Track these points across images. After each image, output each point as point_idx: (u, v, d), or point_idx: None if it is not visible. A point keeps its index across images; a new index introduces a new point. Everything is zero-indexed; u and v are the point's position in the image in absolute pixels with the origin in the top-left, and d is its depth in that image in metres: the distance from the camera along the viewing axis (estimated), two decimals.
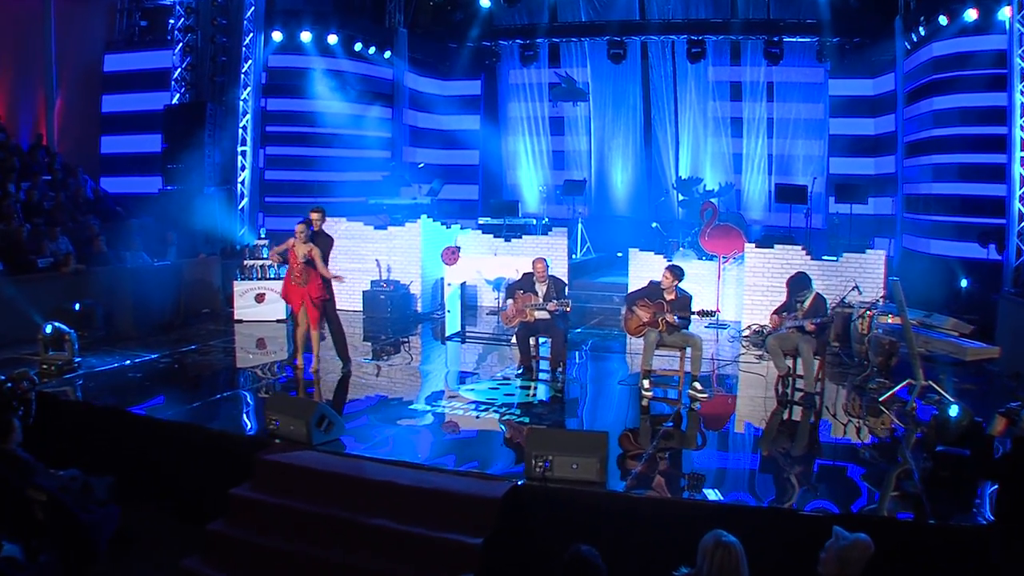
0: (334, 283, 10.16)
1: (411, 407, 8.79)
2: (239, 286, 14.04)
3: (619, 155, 21.23)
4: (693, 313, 9.36)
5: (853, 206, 15.91)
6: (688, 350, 9.35)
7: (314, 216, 10.09)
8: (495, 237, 15.56)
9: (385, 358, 11.54)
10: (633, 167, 21.13)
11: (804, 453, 7.81)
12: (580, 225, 18.05)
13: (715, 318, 13.00)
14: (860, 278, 12.24)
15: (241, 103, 16.54)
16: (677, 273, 9.42)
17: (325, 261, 9.94)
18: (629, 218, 20.37)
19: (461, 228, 15.73)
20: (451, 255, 12.49)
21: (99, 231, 14.61)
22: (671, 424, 8.49)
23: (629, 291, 9.86)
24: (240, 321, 13.73)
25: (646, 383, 9.24)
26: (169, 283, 13.50)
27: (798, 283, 9.46)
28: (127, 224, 15.62)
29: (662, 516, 6.08)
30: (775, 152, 19.56)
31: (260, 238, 15.15)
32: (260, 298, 14.06)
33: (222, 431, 7.97)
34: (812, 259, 12.87)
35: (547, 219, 17.97)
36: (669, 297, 9.40)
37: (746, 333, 12.87)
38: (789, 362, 9.42)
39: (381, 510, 6.31)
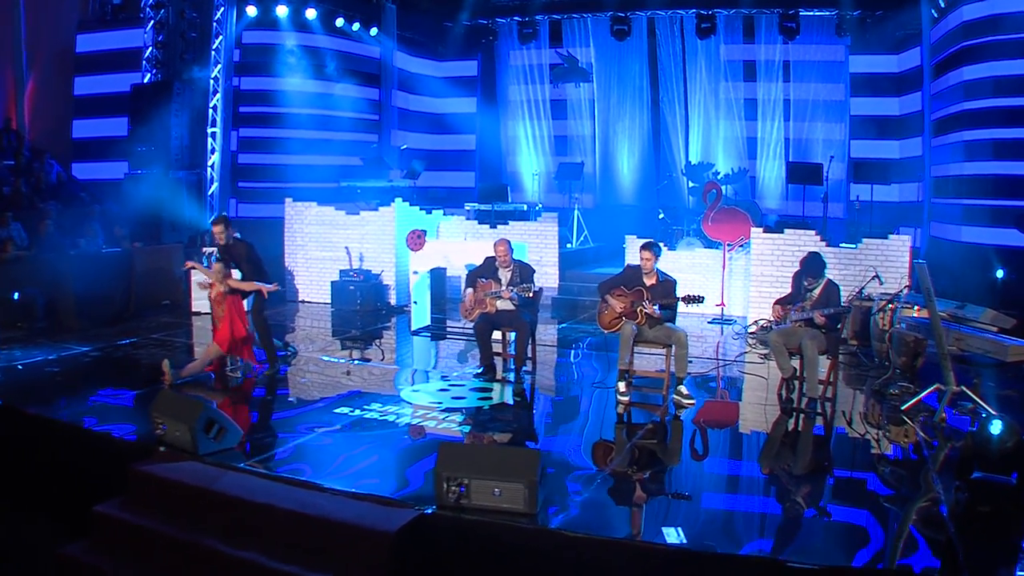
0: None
1: (336, 411, 7.48)
2: (198, 276, 12.84)
3: (625, 140, 19.75)
4: (678, 300, 7.92)
5: (877, 192, 14.48)
6: (673, 347, 7.95)
7: (216, 230, 8.89)
8: (480, 223, 14.31)
9: (337, 356, 10.19)
10: (640, 152, 19.65)
11: (800, 477, 6.31)
12: (576, 212, 16.70)
13: (722, 313, 11.69)
14: (882, 267, 10.82)
15: (211, 82, 15.38)
16: (655, 251, 8.03)
17: (248, 268, 8.76)
18: (636, 207, 18.89)
19: (445, 214, 14.46)
20: (416, 240, 11.18)
21: (53, 216, 13.65)
22: (640, 437, 7.07)
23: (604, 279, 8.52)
24: (198, 313, 12.58)
25: (622, 386, 7.87)
26: (120, 272, 12.43)
27: (810, 266, 8.00)
28: (90, 210, 14.59)
29: (606, 562, 4.71)
30: (792, 136, 18.00)
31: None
32: None
33: (105, 433, 6.74)
34: (828, 246, 11.43)
35: (540, 205, 16.66)
36: (649, 282, 8.03)
37: (752, 329, 11.47)
38: (796, 362, 7.98)
39: (254, 541, 5.05)
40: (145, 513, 5.64)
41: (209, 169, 15.47)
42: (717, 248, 12.74)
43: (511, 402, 8.01)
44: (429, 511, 5.08)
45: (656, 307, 7.83)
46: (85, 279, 11.66)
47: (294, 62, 16.88)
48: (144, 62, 16.01)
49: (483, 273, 8.78)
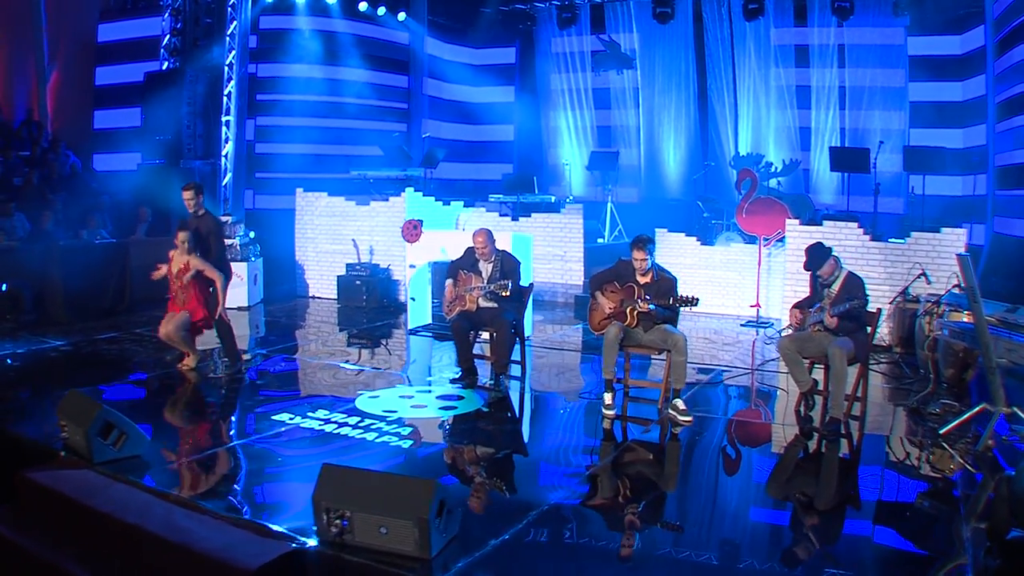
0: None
1: (274, 418, 6.62)
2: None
3: (671, 130, 18.54)
4: (677, 301, 6.81)
5: (939, 185, 13.12)
6: (670, 354, 6.86)
7: (186, 195, 8.11)
8: (501, 215, 13.37)
9: (312, 356, 9.36)
10: (686, 143, 18.44)
11: (801, 527, 4.97)
12: (610, 204, 15.63)
13: (757, 315, 10.59)
14: (932, 264, 9.57)
15: (226, 68, 14.73)
16: (648, 249, 6.92)
17: (210, 250, 7.97)
18: (681, 201, 17.71)
19: (465, 205, 13.55)
20: (411, 230, 10.27)
21: (59, 207, 13.29)
22: (609, 462, 5.93)
23: (596, 272, 7.43)
24: None
25: (607, 397, 6.83)
26: (113, 265, 11.85)
27: (811, 257, 6.83)
28: (98, 202, 14.12)
29: None
30: (848, 125, 16.52)
31: (223, 214, 13.26)
32: None
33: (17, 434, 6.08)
34: (872, 240, 10.20)
35: (571, 197, 15.66)
36: (643, 280, 6.96)
37: (787, 333, 10.27)
38: (819, 374, 6.87)
39: (111, 567, 4.29)
40: (21, 527, 4.91)
41: (223, 159, 14.81)
42: (756, 243, 11.61)
43: (477, 414, 7.00)
44: (311, 546, 4.19)
45: (652, 305, 6.76)
46: (75, 271, 11.16)
47: (314, 48, 16.19)
48: (162, 50, 15.52)
49: (464, 265, 7.84)
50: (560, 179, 18.64)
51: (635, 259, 6.91)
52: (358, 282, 12.31)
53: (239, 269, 12.32)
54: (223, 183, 14.83)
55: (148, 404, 7.27)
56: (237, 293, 12.23)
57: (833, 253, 6.84)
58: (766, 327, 11.03)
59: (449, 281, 7.83)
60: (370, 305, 12.16)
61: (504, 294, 7.35)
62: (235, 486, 5.40)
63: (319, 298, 13.28)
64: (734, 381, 8.24)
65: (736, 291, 11.93)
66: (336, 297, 12.68)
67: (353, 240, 12.67)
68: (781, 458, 6.26)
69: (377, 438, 6.09)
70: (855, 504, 5.35)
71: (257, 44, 16.02)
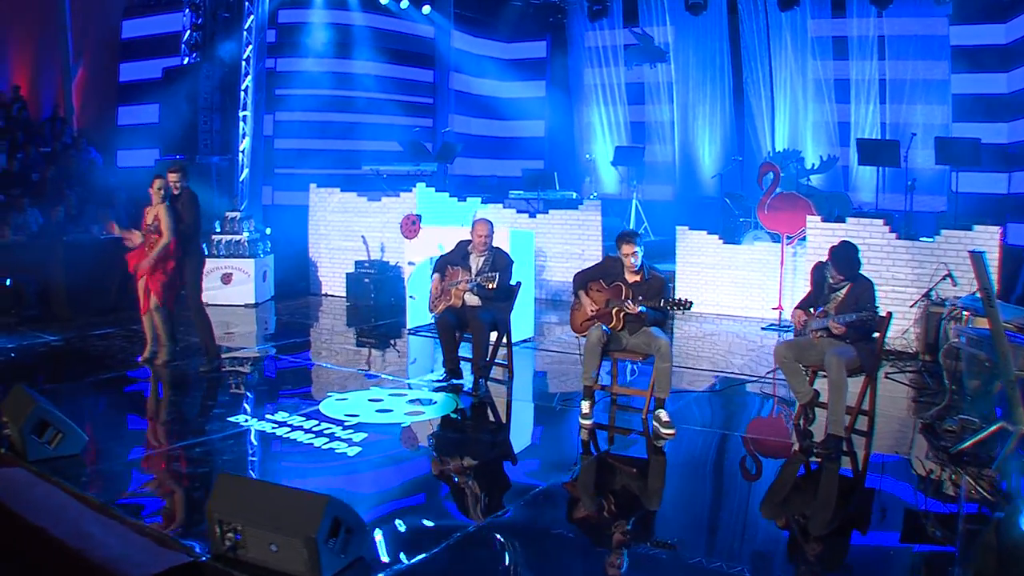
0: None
1: (230, 419, 6.28)
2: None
3: (706, 125, 17.92)
4: (669, 303, 6.28)
5: (980, 182, 12.31)
6: (655, 359, 6.33)
7: (173, 178, 7.90)
8: (518, 212, 12.94)
9: (296, 355, 9.05)
10: (722, 139, 17.81)
11: (779, 559, 4.39)
12: (635, 201, 15.09)
13: (779, 318, 9.99)
14: (963, 265, 8.88)
15: (243, 63, 14.51)
16: (635, 241, 6.40)
17: (191, 219, 7.77)
18: (715, 199, 17.06)
19: (483, 202, 13.13)
20: (410, 226, 9.90)
21: (73, 203, 13.23)
22: (571, 478, 5.42)
23: (581, 269, 6.93)
24: (205, 304, 11.67)
25: (585, 406, 6.34)
26: (117, 261, 11.68)
27: (837, 258, 6.15)
28: (114, 198, 14.03)
29: None
30: (888, 120, 15.74)
31: (235, 209, 13.03)
32: (227, 279, 12.07)
33: None
34: (898, 238, 9.55)
35: (595, 194, 15.15)
36: (632, 278, 6.45)
37: (817, 336, 9.65)
38: (823, 384, 6.23)
39: (10, 570, 4.01)
40: None
41: (240, 154, 14.60)
42: (779, 242, 11.02)
43: (442, 421, 6.56)
44: (205, 559, 3.86)
45: (642, 307, 6.25)
46: (80, 267, 11.05)
47: (334, 42, 15.93)
48: (182, 45, 15.37)
49: (453, 259, 7.43)
50: (590, 175, 18.15)
51: (625, 255, 6.40)
52: (366, 280, 11.98)
53: (246, 265, 12.12)
54: (240, 179, 14.62)
55: (108, 401, 7.11)
56: (244, 290, 12.05)
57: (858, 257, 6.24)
58: (788, 331, 10.41)
59: (436, 276, 7.43)
60: (379, 303, 11.81)
61: (490, 286, 6.91)
62: (156, 491, 5.16)
63: (331, 296, 13.00)
64: (737, 390, 7.65)
65: (760, 292, 11.34)
66: (345, 295, 12.36)
67: (363, 237, 12.35)
68: (775, 478, 5.67)
69: (325, 444, 5.69)
70: (842, 536, 4.75)
71: (276, 38, 15.83)
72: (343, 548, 3.65)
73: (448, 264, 7.42)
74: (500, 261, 7.28)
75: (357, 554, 3.79)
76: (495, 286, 6.93)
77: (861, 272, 6.24)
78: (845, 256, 6.16)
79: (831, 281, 6.24)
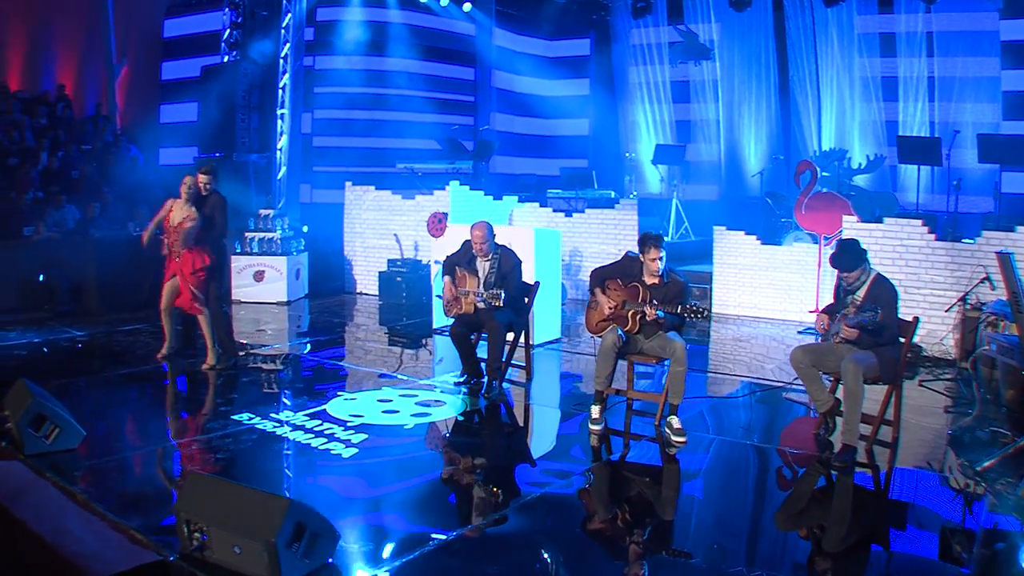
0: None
1: (233, 417, 6.23)
2: (236, 261, 12.12)
3: (751, 124, 17.55)
4: (687, 309, 6.01)
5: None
6: (668, 363, 6.13)
7: (203, 179, 7.80)
8: (555, 211, 12.78)
9: (316, 354, 8.97)
10: (768, 138, 17.41)
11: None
12: (675, 201, 14.81)
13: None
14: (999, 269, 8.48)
15: (280, 61, 14.57)
16: (658, 243, 6.17)
17: (213, 225, 7.67)
18: (759, 199, 16.68)
19: (520, 201, 12.98)
20: (436, 224, 9.78)
21: (109, 200, 13.45)
22: (556, 488, 5.18)
23: (599, 266, 6.72)
24: (237, 302, 11.78)
25: (595, 410, 6.16)
26: (149, 257, 11.78)
27: (837, 258, 5.90)
28: (149, 195, 14.18)
29: None
30: (937, 118, 15.25)
31: (268, 206, 13.06)
32: (259, 276, 12.09)
33: None
34: (937, 239, 9.17)
35: (635, 193, 14.90)
36: (651, 280, 6.24)
37: (837, 341, 9.33)
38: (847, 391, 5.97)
39: None
40: None
41: (278, 152, 14.66)
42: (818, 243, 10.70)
43: (446, 425, 6.41)
44: (173, 558, 3.79)
45: (660, 312, 6.02)
46: (112, 263, 11.11)
47: (374, 40, 15.92)
48: (222, 44, 15.48)
49: (460, 260, 7.27)
50: (632, 174, 17.89)
51: (649, 259, 6.17)
52: (398, 278, 11.92)
53: (278, 263, 12.12)
54: (277, 177, 14.68)
55: (116, 396, 7.10)
56: (276, 287, 12.05)
57: (867, 257, 5.94)
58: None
59: (447, 278, 7.27)
60: (410, 302, 11.72)
61: (497, 304, 6.76)
62: (144, 487, 5.14)
63: (365, 294, 12.97)
64: (763, 396, 7.37)
65: (798, 295, 11.01)
66: (377, 293, 12.31)
67: (395, 235, 12.30)
68: (791, 492, 5.43)
69: (323, 444, 5.59)
70: (848, 551, 4.49)
71: (314, 36, 15.90)
72: (307, 553, 3.53)
73: (456, 265, 7.25)
74: (507, 263, 7.09)
75: (324, 560, 3.66)
76: (502, 304, 6.78)
77: (880, 272, 5.93)
78: (844, 254, 5.88)
79: (846, 285, 5.95)
